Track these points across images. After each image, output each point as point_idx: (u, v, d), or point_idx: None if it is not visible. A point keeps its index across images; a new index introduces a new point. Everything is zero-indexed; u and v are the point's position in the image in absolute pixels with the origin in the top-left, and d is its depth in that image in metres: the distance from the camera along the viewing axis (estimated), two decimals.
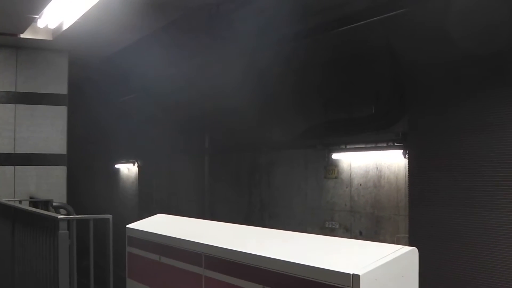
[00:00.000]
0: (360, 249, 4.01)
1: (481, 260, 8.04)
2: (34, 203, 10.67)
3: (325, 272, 3.60)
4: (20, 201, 10.23)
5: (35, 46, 12.12)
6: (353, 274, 3.41)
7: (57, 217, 6.32)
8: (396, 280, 3.51)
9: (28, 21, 10.66)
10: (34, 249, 7.27)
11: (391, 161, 10.40)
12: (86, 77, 16.25)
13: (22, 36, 11.46)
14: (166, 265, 5.57)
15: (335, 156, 11.43)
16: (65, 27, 10.90)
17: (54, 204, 10.85)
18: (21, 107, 12.21)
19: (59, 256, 6.18)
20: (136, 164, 20.61)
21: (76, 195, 15.09)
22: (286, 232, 4.94)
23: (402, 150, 9.96)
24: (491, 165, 8.03)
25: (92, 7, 9.62)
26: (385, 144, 10.33)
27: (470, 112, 8.32)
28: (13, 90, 12.19)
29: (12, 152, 12.06)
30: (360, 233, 10.99)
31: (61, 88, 12.54)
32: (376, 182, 10.71)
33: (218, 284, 4.69)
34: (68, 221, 6.30)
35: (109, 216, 6.45)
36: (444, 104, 8.76)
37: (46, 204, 10.56)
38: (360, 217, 11.09)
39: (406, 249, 3.65)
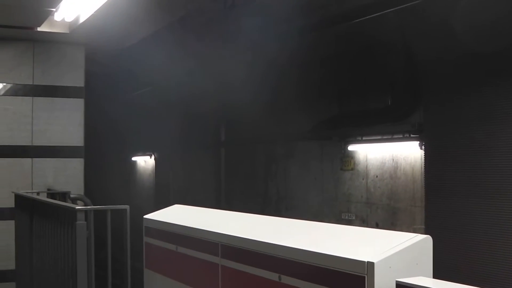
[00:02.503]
0: (374, 237, 4.04)
1: (498, 251, 8.02)
2: (52, 195, 10.74)
3: (340, 260, 3.64)
4: (38, 193, 10.30)
5: (52, 39, 12.16)
6: (368, 262, 3.44)
7: (74, 208, 6.37)
8: (410, 268, 3.54)
9: (45, 15, 10.70)
10: (52, 240, 7.33)
11: (407, 153, 10.39)
12: (103, 70, 16.30)
13: (39, 29, 11.49)
14: (183, 255, 5.61)
15: (351, 147, 11.43)
16: (81, 20, 10.94)
17: (71, 195, 10.90)
18: (39, 99, 12.26)
19: (77, 247, 6.24)
20: (152, 157, 20.68)
21: (93, 187, 15.16)
22: (301, 221, 4.97)
23: (418, 142, 9.94)
24: (509, 155, 8.00)
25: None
26: (401, 136, 10.31)
27: (487, 102, 8.29)
28: (31, 83, 12.24)
29: (30, 144, 12.12)
30: (377, 224, 11.00)
31: (78, 80, 12.58)
32: (392, 174, 10.71)
33: (235, 273, 4.73)
34: (86, 212, 6.35)
35: (126, 206, 6.49)
36: (460, 94, 8.73)
37: (63, 196, 10.63)
38: (377, 209, 11.09)
39: (420, 237, 3.67)
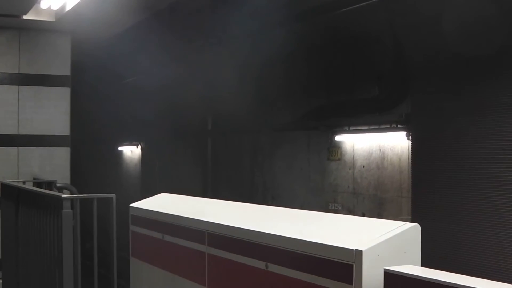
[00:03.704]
0: (362, 225, 4.02)
1: (484, 241, 8.05)
2: (38, 184, 10.69)
3: (328, 248, 3.62)
4: (24, 182, 10.25)
5: (38, 28, 12.09)
6: (356, 250, 3.42)
7: (61, 196, 6.34)
8: (398, 256, 3.52)
9: (31, 3, 10.65)
10: (38, 229, 7.29)
11: (394, 143, 10.40)
12: (89, 59, 16.23)
13: (25, 17, 11.43)
14: (169, 243, 5.59)
15: (338, 137, 11.43)
16: (68, 8, 10.88)
17: (57, 185, 10.86)
18: (24, 88, 12.20)
19: (63, 235, 6.20)
20: (139, 147, 20.64)
21: (80, 177, 15.11)
22: (288, 209, 4.95)
23: (405, 132, 9.96)
24: (495, 147, 8.02)
25: None
26: (388, 126, 10.33)
27: (474, 94, 8.31)
28: (16, 71, 12.18)
29: (16, 133, 12.07)
30: (363, 214, 11.02)
31: (64, 69, 12.53)
32: (379, 164, 10.72)
33: (221, 261, 4.71)
34: (72, 200, 6.31)
35: (113, 195, 6.46)
36: (448, 85, 8.74)
37: (49, 185, 10.57)
38: (363, 199, 11.11)
39: (409, 225, 3.66)
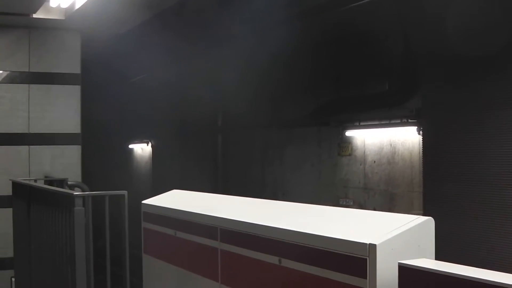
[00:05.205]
0: (376, 220, 4.02)
1: (495, 237, 8.02)
2: (49, 182, 10.69)
3: (341, 242, 3.62)
4: (35, 180, 10.26)
5: (48, 26, 12.10)
6: (370, 244, 3.42)
7: (72, 194, 6.34)
8: (412, 250, 3.52)
9: (40, 1, 10.66)
10: (50, 227, 7.30)
11: (405, 138, 10.37)
12: (99, 57, 16.23)
13: (34, 16, 11.44)
14: (182, 240, 5.59)
15: (348, 133, 11.41)
16: (77, 6, 10.89)
17: (69, 182, 10.86)
18: (35, 87, 12.21)
19: (75, 233, 6.21)
20: (149, 144, 20.66)
21: (91, 174, 15.11)
22: (301, 204, 4.94)
23: (416, 127, 9.93)
24: (507, 141, 7.98)
25: None
26: (399, 121, 10.30)
27: (485, 88, 8.27)
28: (27, 70, 12.19)
29: (27, 132, 12.09)
30: (374, 210, 10.99)
31: (74, 67, 12.53)
32: (390, 159, 10.69)
33: (234, 257, 4.71)
34: (84, 197, 6.31)
35: (124, 192, 6.45)
36: (458, 79, 8.70)
37: (61, 183, 10.58)
38: (374, 194, 11.08)
39: (422, 219, 3.65)
